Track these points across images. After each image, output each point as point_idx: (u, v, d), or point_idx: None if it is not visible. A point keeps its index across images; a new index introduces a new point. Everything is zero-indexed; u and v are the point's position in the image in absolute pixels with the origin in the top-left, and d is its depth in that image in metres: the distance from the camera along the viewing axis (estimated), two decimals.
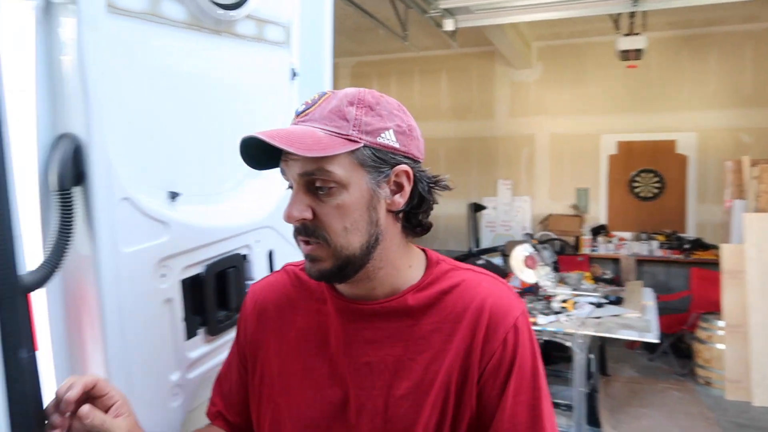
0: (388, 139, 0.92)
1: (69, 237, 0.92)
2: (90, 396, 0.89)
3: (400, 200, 0.95)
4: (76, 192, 0.94)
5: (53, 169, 0.91)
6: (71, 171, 0.92)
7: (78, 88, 0.92)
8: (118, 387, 1.01)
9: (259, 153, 0.94)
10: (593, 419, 4.22)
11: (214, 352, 1.29)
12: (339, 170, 0.89)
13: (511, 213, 8.00)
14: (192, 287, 1.22)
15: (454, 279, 1.00)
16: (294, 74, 1.61)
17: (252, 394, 1.07)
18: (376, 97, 0.94)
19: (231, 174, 1.42)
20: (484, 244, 7.80)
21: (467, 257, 6.20)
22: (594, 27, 6.90)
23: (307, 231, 0.93)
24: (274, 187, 1.50)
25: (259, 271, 1.42)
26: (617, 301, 4.45)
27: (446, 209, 7.84)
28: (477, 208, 7.75)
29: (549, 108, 7.73)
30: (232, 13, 1.30)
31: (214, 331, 1.27)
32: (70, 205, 0.92)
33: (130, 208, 1.03)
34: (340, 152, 0.89)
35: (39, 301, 0.95)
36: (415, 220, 0.99)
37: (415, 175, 0.96)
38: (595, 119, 7.51)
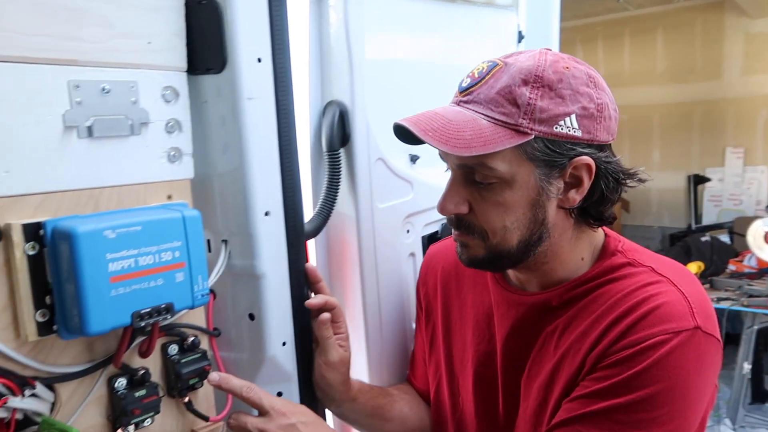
0: (568, 126, 0.78)
1: (336, 192, 1.03)
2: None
3: (576, 197, 0.82)
4: (342, 153, 1.05)
5: (324, 132, 1.03)
6: (339, 134, 1.03)
7: (344, 58, 1.03)
8: (372, 328, 1.13)
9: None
10: None
11: None
12: (502, 166, 0.78)
13: (741, 185, 7.03)
14: (430, 243, 1.29)
15: (622, 276, 0.85)
16: (521, 37, 1.60)
17: (428, 352, 1.10)
18: (559, 71, 0.79)
19: None
20: (706, 220, 7.00)
21: (686, 234, 5.63)
22: None
23: (461, 225, 0.85)
24: None
25: None
26: None
27: (661, 182, 7.17)
28: (698, 180, 6.97)
29: None
30: None
31: None
32: (338, 164, 1.03)
33: (383, 167, 1.12)
34: (507, 148, 0.77)
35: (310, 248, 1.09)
36: (594, 212, 0.86)
37: (598, 168, 0.81)
38: None
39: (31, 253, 0.66)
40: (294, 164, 0.91)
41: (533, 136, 0.78)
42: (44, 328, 0.68)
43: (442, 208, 0.85)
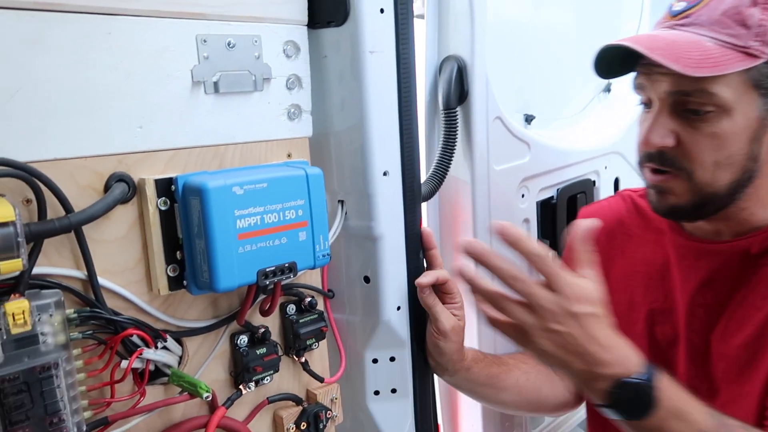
0: None
1: (452, 153, 0.98)
2: (440, 290, 0.94)
3: None
4: (459, 111, 1.00)
5: (441, 89, 0.98)
6: (456, 91, 0.97)
7: (465, 10, 0.96)
8: None
9: (613, 60, 0.81)
10: None
11: None
12: (725, 92, 0.73)
13: None
14: (545, 210, 1.22)
15: None
16: None
17: None
18: None
19: (578, 97, 1.37)
20: None
21: None
22: None
23: (664, 160, 0.78)
24: (621, 113, 1.40)
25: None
26: None
27: None
28: None
29: None
30: None
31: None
32: (454, 123, 0.98)
33: (501, 127, 1.06)
34: (736, 71, 0.72)
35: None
36: None
37: None
38: None
39: (163, 208, 0.67)
40: (413, 123, 0.87)
41: (763, 60, 0.72)
42: (175, 283, 0.68)
43: (645, 141, 0.80)
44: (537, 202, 1.19)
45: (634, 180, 1.43)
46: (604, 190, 1.35)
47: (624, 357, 0.72)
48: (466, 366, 0.97)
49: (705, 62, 0.72)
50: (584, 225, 0.81)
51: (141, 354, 0.65)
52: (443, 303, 0.94)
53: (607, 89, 1.42)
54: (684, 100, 0.76)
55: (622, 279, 0.97)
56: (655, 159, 0.80)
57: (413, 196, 0.89)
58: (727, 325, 0.84)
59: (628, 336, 0.93)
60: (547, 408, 1.11)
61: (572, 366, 0.71)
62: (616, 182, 1.39)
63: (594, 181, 1.33)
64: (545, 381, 1.08)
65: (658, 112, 0.79)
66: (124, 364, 0.65)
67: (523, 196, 1.14)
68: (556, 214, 1.23)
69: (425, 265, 0.95)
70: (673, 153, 0.78)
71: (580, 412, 1.48)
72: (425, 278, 0.92)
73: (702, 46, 0.73)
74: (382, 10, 0.80)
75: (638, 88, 0.82)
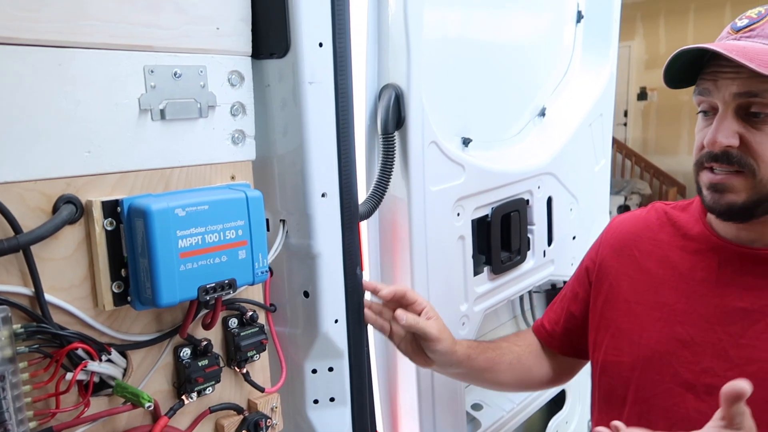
0: None
1: (390, 175, 1.05)
2: (401, 304, 1.04)
3: None
4: (396, 136, 1.07)
5: (380, 115, 1.05)
6: (394, 117, 1.04)
7: (402, 42, 1.03)
8: None
9: (681, 69, 0.89)
10: None
11: (497, 290, 1.37)
12: None
13: None
14: (480, 227, 1.30)
15: None
16: (579, 17, 1.57)
17: (592, 317, 1.11)
18: None
19: (515, 121, 1.46)
20: None
21: None
22: None
23: (730, 159, 0.85)
24: (554, 136, 1.50)
25: (539, 216, 1.45)
26: None
27: None
28: None
29: None
30: None
31: (498, 270, 1.35)
32: (392, 147, 1.05)
33: (436, 151, 1.13)
34: None
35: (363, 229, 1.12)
36: None
37: None
38: None
39: (109, 228, 0.71)
40: (351, 147, 0.93)
41: None
42: (119, 299, 0.73)
43: (712, 141, 0.85)
44: (472, 220, 1.27)
45: (565, 199, 1.54)
46: (538, 209, 1.45)
47: None
48: (467, 354, 1.07)
49: None
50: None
51: (85, 366, 0.69)
52: (414, 312, 1.04)
53: (542, 113, 1.52)
54: (749, 102, 0.83)
55: (649, 280, 1.02)
56: (719, 159, 0.86)
57: (351, 216, 0.95)
58: (763, 333, 0.88)
59: (650, 333, 0.98)
60: (536, 384, 1.23)
61: None
62: (549, 201, 1.49)
63: (527, 200, 1.42)
64: (535, 360, 1.19)
65: (723, 114, 0.85)
66: (69, 376, 0.68)
67: (458, 214, 1.22)
68: (491, 231, 1.31)
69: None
70: (738, 152, 0.85)
71: (529, 408, 1.58)
72: (383, 291, 1.01)
73: (763, 55, 0.81)
74: (321, 44, 0.86)
75: (702, 94, 0.88)
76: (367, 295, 1.05)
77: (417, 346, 1.06)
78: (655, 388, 0.96)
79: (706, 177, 0.88)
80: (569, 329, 1.16)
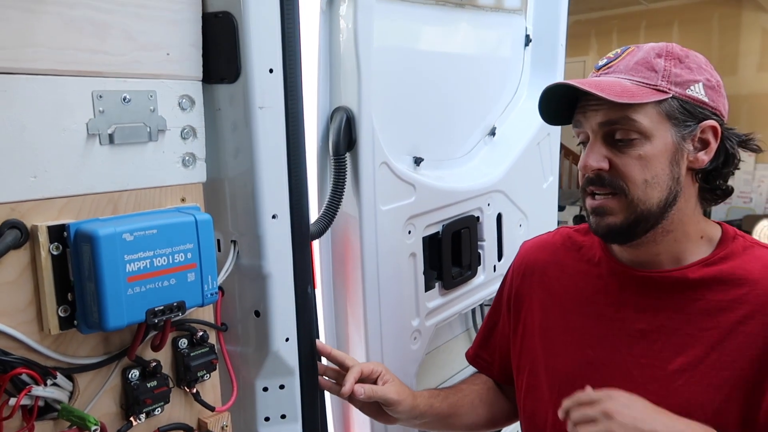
0: (698, 92, 0.91)
1: (341, 195, 1.08)
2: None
3: (705, 158, 0.92)
4: (348, 157, 1.09)
5: (331, 137, 1.07)
6: (345, 138, 1.07)
7: (352, 66, 1.06)
8: (371, 325, 1.18)
9: (558, 108, 0.97)
10: None
11: (448, 304, 1.41)
12: (644, 120, 0.89)
13: (752, 183, 7.01)
14: (431, 244, 1.34)
15: (756, 257, 0.93)
16: (528, 40, 1.63)
17: (513, 343, 1.15)
18: (684, 50, 0.94)
19: (465, 140, 1.51)
20: (715, 217, 6.99)
21: None
22: None
23: (603, 181, 0.92)
24: (504, 154, 1.55)
25: (489, 232, 1.49)
26: None
27: None
28: None
29: None
30: None
31: (449, 285, 1.38)
32: (343, 168, 1.07)
33: (387, 171, 1.16)
34: (649, 101, 0.88)
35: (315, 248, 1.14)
36: (715, 182, 0.95)
37: (722, 132, 0.92)
38: None
39: (55, 253, 0.71)
40: (301, 170, 0.95)
41: (671, 95, 0.90)
42: (65, 323, 0.73)
43: (584, 165, 0.93)
44: (423, 238, 1.30)
45: (515, 215, 1.59)
46: (488, 225, 1.49)
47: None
48: (428, 405, 1.10)
49: (625, 93, 0.88)
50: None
51: (29, 391, 0.69)
52: (373, 382, 1.06)
53: (492, 133, 1.57)
54: (613, 130, 0.91)
55: (559, 306, 1.07)
56: (594, 182, 0.93)
57: (302, 236, 0.97)
58: (665, 352, 0.94)
59: (564, 359, 1.04)
60: (503, 419, 1.23)
61: None
62: (499, 218, 1.53)
63: (478, 217, 1.46)
64: (495, 396, 1.21)
65: (593, 142, 0.93)
66: (13, 401, 0.68)
67: (409, 232, 1.25)
68: (442, 248, 1.35)
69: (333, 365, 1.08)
70: (609, 175, 0.92)
71: None
72: (346, 387, 1.01)
73: (622, 85, 0.90)
74: (271, 70, 0.89)
75: (576, 126, 0.97)
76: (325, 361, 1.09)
77: (379, 407, 1.08)
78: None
79: (588, 203, 0.95)
80: (503, 359, 1.19)
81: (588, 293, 1.04)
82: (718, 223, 1.00)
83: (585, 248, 1.07)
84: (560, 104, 0.97)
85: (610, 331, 0.99)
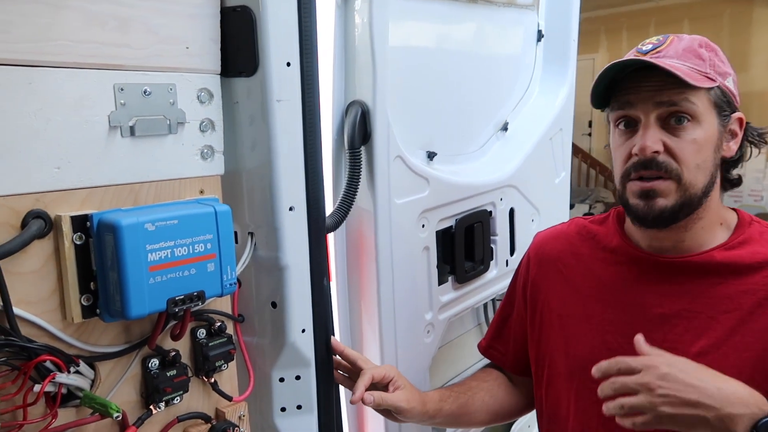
0: (731, 84, 0.95)
1: (356, 188, 1.08)
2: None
3: (734, 147, 0.96)
4: (362, 150, 1.10)
5: (346, 131, 1.08)
6: (360, 132, 1.08)
7: (368, 60, 1.07)
8: (386, 319, 1.19)
9: (602, 90, 0.97)
10: None
11: (461, 298, 1.41)
12: (699, 105, 0.91)
13: (763, 181, 6.96)
14: (444, 238, 1.34)
15: None
16: (540, 36, 1.63)
17: (531, 334, 1.16)
18: (714, 43, 0.97)
19: (478, 135, 1.51)
20: None
21: None
22: None
23: (658, 165, 0.92)
24: (516, 149, 1.56)
25: (501, 227, 1.50)
26: None
27: None
28: None
29: None
30: None
31: (462, 279, 1.39)
32: (358, 162, 1.08)
33: (401, 165, 1.17)
34: (706, 86, 0.91)
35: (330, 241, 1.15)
36: (732, 171, 0.99)
37: (746, 124, 0.96)
38: None
39: (78, 242, 0.73)
40: (317, 162, 0.96)
41: (717, 84, 0.92)
42: (88, 312, 0.74)
43: (642, 148, 0.92)
44: (437, 232, 1.31)
45: (527, 210, 1.59)
46: (500, 220, 1.49)
47: (750, 395, 0.81)
48: (439, 408, 1.10)
49: (690, 77, 0.89)
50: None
51: (53, 378, 0.70)
52: (384, 388, 1.06)
53: (505, 128, 1.57)
54: (671, 111, 0.91)
55: (576, 293, 1.08)
56: (647, 166, 0.93)
57: (318, 229, 0.98)
58: (686, 335, 0.95)
59: (584, 345, 1.04)
60: (515, 412, 1.24)
61: (702, 417, 0.79)
62: (511, 212, 1.54)
63: (490, 212, 1.46)
64: (506, 391, 1.21)
65: (647, 125, 0.93)
66: (37, 388, 0.70)
67: (423, 226, 1.26)
68: (455, 242, 1.35)
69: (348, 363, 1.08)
70: (663, 158, 0.92)
71: None
72: (358, 392, 1.01)
73: (682, 68, 0.91)
74: (288, 64, 0.89)
75: (623, 107, 0.95)
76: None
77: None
78: (592, 396, 1.01)
79: (635, 186, 0.94)
80: (518, 350, 1.20)
81: (606, 280, 1.04)
82: (733, 209, 1.01)
83: (600, 236, 1.08)
84: (602, 89, 0.97)
85: (629, 316, 1.00)
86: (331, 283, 1.07)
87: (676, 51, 0.94)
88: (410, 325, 1.27)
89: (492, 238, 1.47)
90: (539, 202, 1.61)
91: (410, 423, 1.14)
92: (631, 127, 0.95)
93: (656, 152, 0.92)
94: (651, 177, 0.93)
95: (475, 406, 1.17)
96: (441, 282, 1.35)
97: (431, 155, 1.33)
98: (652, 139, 0.91)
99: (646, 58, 0.94)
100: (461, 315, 1.44)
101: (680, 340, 0.95)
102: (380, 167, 1.12)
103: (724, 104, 0.93)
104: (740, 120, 0.96)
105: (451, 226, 1.35)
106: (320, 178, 0.97)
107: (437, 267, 1.33)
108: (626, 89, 0.95)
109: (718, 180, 0.97)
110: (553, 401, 1.09)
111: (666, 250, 0.99)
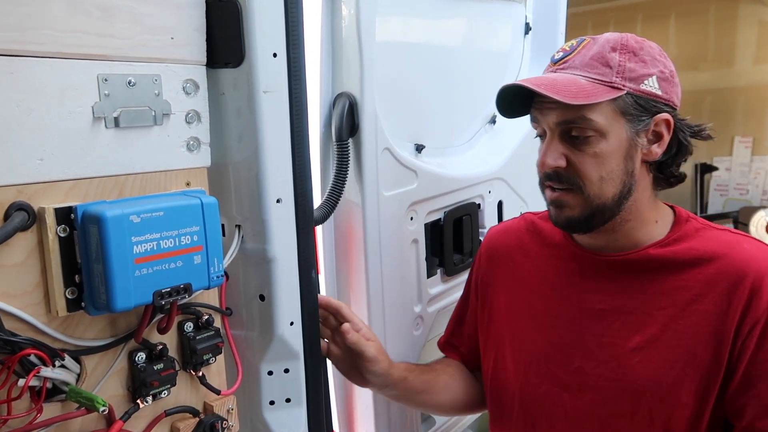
0: (651, 86, 0.92)
1: (344, 180, 1.08)
2: (336, 320, 1.07)
3: (658, 150, 0.95)
4: (350, 143, 1.09)
5: (334, 123, 1.07)
6: (348, 124, 1.07)
7: (355, 52, 1.07)
8: (374, 310, 1.19)
9: (514, 101, 0.98)
10: None
11: (450, 291, 1.42)
12: (599, 118, 0.90)
13: (748, 175, 7.02)
14: (433, 231, 1.34)
15: (707, 238, 0.96)
16: (528, 29, 1.63)
17: (481, 328, 1.17)
18: (639, 41, 0.94)
19: (466, 128, 1.51)
20: (712, 209, 7.00)
21: None
22: None
23: (560, 178, 0.94)
24: (504, 142, 1.56)
25: (490, 219, 1.50)
26: None
27: None
28: (705, 169, 6.96)
29: None
30: None
31: (451, 272, 1.39)
32: (346, 154, 1.07)
33: (390, 157, 1.17)
34: (604, 100, 0.90)
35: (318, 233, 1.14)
36: (668, 170, 0.98)
37: (675, 124, 0.94)
38: None
39: (62, 235, 0.72)
40: (305, 154, 0.95)
41: (625, 92, 0.90)
42: (73, 305, 0.73)
43: (542, 163, 0.95)
44: (425, 224, 1.31)
45: (516, 203, 1.59)
46: (489, 212, 1.50)
47: None
48: (403, 377, 1.10)
49: (581, 94, 0.89)
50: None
51: (38, 372, 0.70)
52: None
53: (493, 121, 1.57)
54: (569, 128, 0.92)
55: (522, 289, 1.10)
56: (552, 178, 0.95)
57: (305, 220, 0.97)
58: (623, 330, 0.97)
59: (528, 341, 1.06)
60: (471, 407, 1.24)
61: None
62: (500, 205, 1.54)
63: (479, 204, 1.47)
64: (467, 384, 1.22)
65: (550, 139, 0.95)
66: (21, 382, 0.69)
67: (411, 218, 1.26)
68: (443, 234, 1.35)
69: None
70: (566, 172, 0.94)
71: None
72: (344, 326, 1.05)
73: (578, 83, 0.91)
74: (275, 54, 0.89)
75: (533, 121, 0.98)
76: None
77: (354, 365, 1.09)
78: (536, 391, 1.03)
79: (547, 195, 0.98)
80: (473, 346, 1.20)
81: (550, 276, 1.06)
82: (670, 206, 1.02)
83: (546, 232, 1.10)
84: (516, 97, 0.97)
85: (572, 312, 1.02)
86: (319, 275, 1.07)
87: (582, 60, 0.93)
88: (399, 318, 1.27)
89: (480, 230, 1.48)
90: (527, 195, 1.62)
91: (370, 390, 1.15)
92: (544, 137, 0.97)
93: (558, 167, 0.93)
94: (559, 188, 0.95)
95: (438, 386, 1.18)
96: (430, 274, 1.35)
97: (419, 148, 1.33)
98: (552, 155, 0.93)
99: (552, 69, 0.96)
100: (450, 307, 1.44)
101: (618, 335, 0.97)
102: (368, 159, 1.11)
103: (637, 110, 0.92)
104: (666, 121, 0.94)
105: (439, 219, 1.35)
106: (308, 170, 0.96)
107: (426, 259, 1.33)
108: (534, 104, 0.97)
109: (645, 182, 0.97)
110: (497, 390, 1.11)
111: (602, 248, 1.01)
